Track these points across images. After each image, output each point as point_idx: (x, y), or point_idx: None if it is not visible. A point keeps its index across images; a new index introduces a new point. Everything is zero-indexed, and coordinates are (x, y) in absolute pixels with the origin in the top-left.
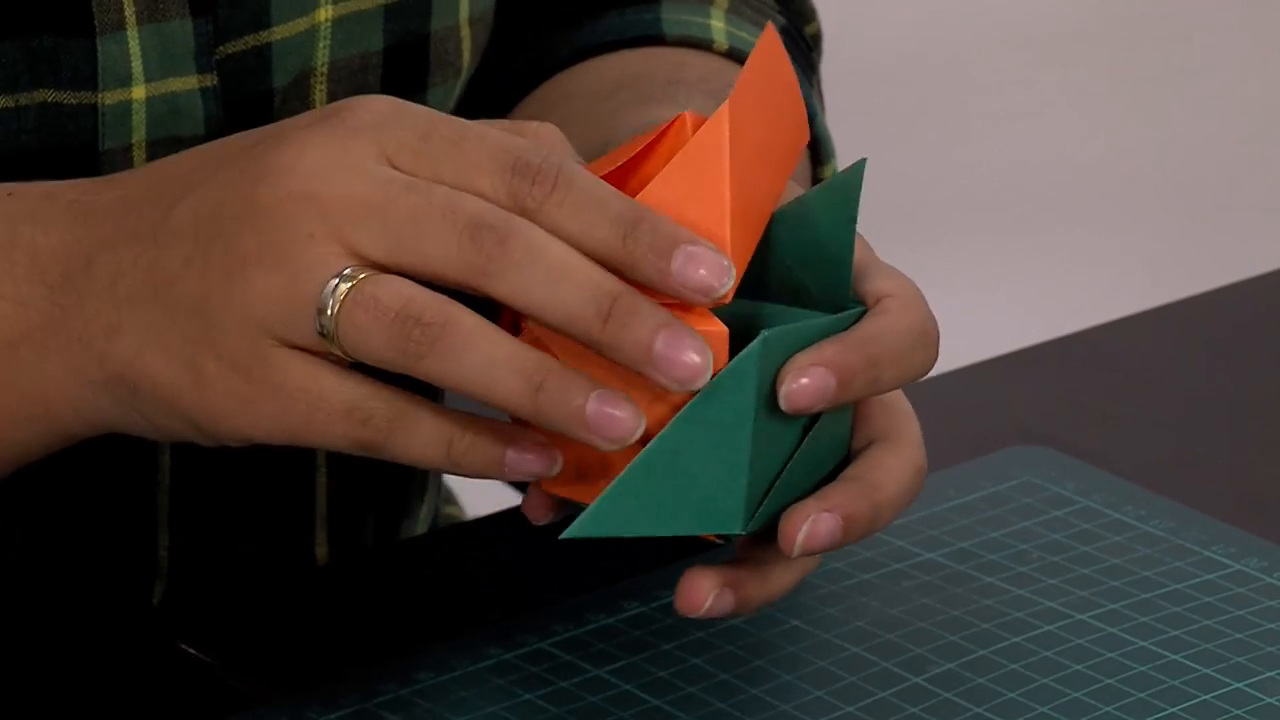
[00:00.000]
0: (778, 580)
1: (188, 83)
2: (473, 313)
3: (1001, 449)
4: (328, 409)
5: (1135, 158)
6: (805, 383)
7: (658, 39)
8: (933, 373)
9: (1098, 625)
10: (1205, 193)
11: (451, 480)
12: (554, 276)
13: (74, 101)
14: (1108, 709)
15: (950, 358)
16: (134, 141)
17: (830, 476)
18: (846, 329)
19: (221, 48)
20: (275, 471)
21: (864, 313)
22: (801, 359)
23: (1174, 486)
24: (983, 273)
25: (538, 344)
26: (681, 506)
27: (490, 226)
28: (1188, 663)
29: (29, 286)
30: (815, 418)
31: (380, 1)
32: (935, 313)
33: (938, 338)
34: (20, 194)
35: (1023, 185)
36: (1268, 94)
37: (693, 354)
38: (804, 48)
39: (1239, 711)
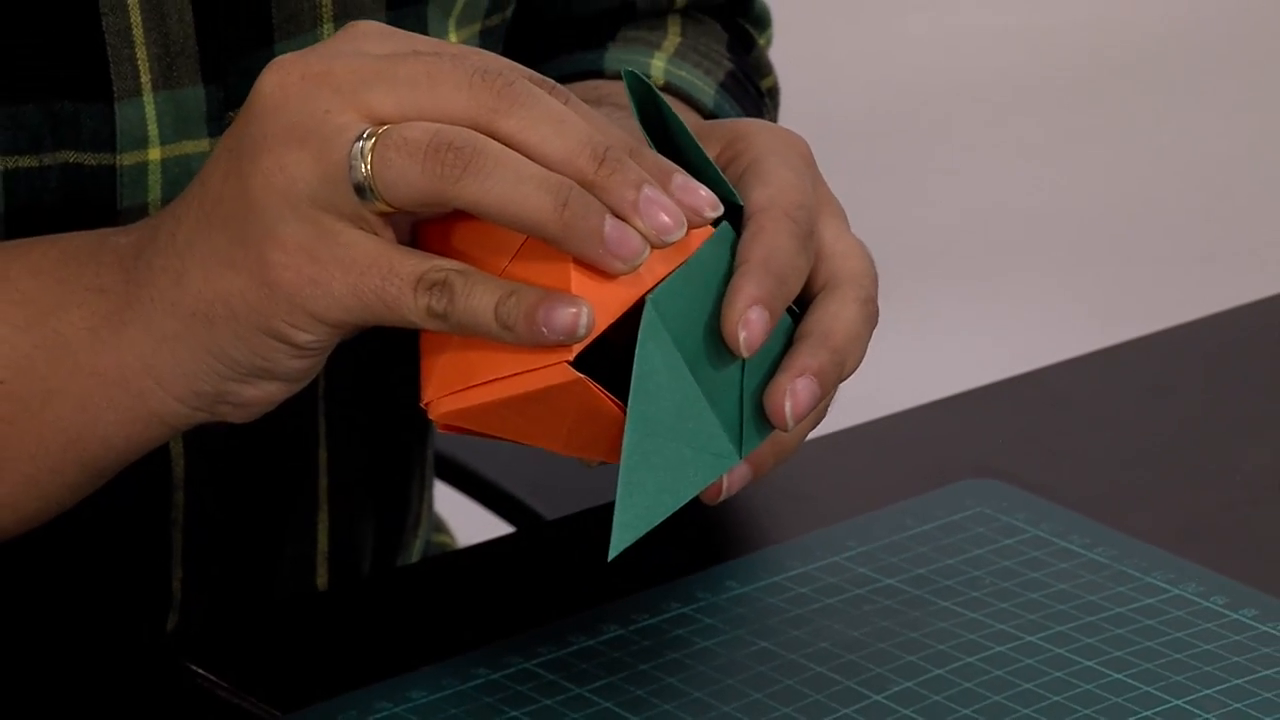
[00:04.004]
0: (784, 439)
1: (200, 145)
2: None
3: (957, 481)
4: (399, 280)
5: (1082, 209)
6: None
7: (596, 74)
8: (891, 410)
9: (1046, 646)
10: (1147, 242)
11: (441, 509)
12: (557, 118)
13: (94, 162)
14: None
15: (909, 395)
16: (150, 200)
17: None
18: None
19: (231, 113)
20: (281, 511)
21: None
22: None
23: (1117, 517)
24: (940, 317)
25: (443, 251)
26: (682, 472)
27: (498, 73)
28: (1130, 681)
29: (111, 275)
30: None
31: None
32: (897, 355)
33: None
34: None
35: (975, 235)
36: (1202, 150)
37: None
38: (753, 93)
39: None
